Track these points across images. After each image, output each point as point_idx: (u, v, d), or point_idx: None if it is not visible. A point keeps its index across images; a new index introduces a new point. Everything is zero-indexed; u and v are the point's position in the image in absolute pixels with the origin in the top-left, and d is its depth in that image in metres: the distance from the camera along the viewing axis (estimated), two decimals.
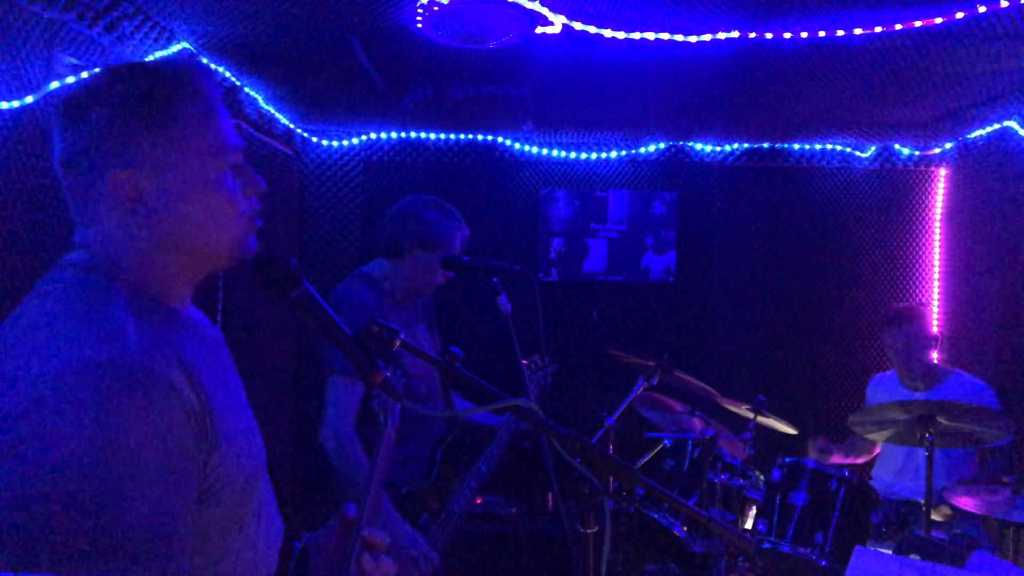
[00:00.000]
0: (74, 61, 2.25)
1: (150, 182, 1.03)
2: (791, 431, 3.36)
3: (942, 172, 4.44)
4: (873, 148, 4.45)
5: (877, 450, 3.57)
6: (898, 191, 4.47)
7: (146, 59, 2.59)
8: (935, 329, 3.69)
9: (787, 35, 2.58)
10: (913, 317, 3.34)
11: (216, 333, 1.21)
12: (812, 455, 3.40)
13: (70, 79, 2.22)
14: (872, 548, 2.16)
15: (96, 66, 2.35)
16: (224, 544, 1.04)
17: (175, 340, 1.01)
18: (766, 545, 2.79)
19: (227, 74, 3.17)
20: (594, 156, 4.52)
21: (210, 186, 1.06)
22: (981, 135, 3.89)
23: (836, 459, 3.49)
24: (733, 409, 3.41)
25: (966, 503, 2.65)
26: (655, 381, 3.29)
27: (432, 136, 4.42)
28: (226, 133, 1.09)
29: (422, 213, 2.49)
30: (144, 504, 0.87)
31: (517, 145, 4.47)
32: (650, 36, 2.62)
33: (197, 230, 1.06)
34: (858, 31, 2.53)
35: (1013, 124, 3.55)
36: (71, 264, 1.04)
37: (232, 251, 1.11)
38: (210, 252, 1.09)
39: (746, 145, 4.48)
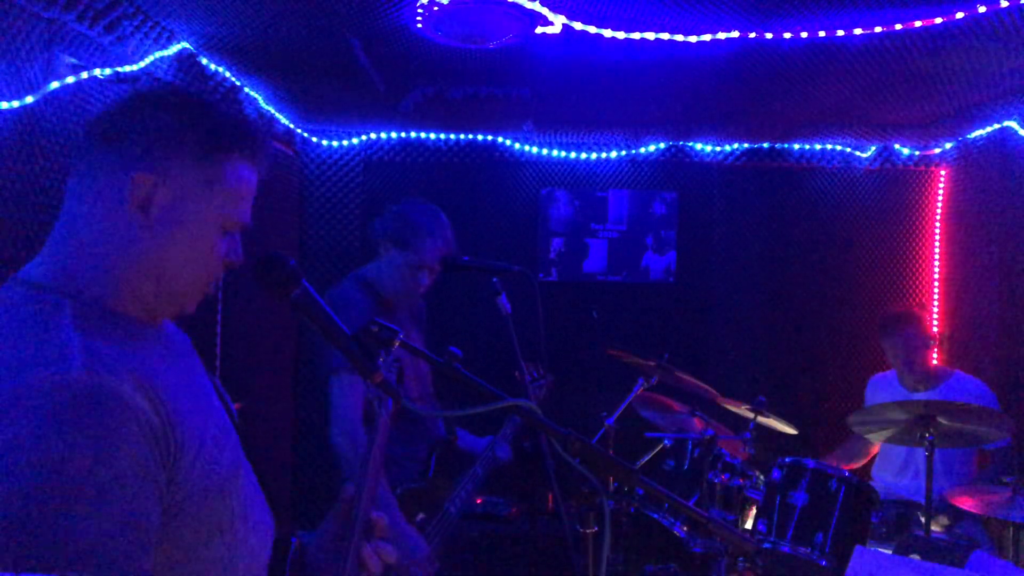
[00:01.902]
0: (74, 61, 2.25)
1: (165, 199, 1.06)
2: (791, 431, 3.36)
3: (942, 172, 4.44)
4: (873, 148, 4.45)
5: (874, 451, 3.57)
6: (898, 191, 4.47)
7: (146, 59, 2.59)
8: (934, 330, 3.69)
9: (787, 35, 2.58)
10: (910, 321, 3.33)
11: (182, 338, 1.20)
12: None
13: (70, 79, 2.22)
14: (872, 548, 2.16)
15: (96, 66, 2.35)
16: (207, 549, 1.03)
17: (133, 355, 1.00)
18: (766, 545, 2.79)
19: (227, 74, 3.17)
20: (594, 156, 4.52)
21: (204, 234, 1.10)
22: (981, 135, 3.89)
23: None
24: (733, 409, 3.41)
25: (966, 503, 2.65)
26: (655, 381, 3.29)
27: (432, 136, 4.42)
28: (245, 207, 1.15)
29: (409, 213, 2.48)
30: (88, 526, 0.85)
31: (517, 145, 4.47)
32: (650, 36, 2.61)
33: (168, 260, 1.08)
34: (858, 31, 2.53)
35: (1013, 124, 3.55)
36: (21, 281, 1.04)
37: (180, 295, 1.12)
38: (162, 285, 1.09)
39: (746, 145, 4.48)
